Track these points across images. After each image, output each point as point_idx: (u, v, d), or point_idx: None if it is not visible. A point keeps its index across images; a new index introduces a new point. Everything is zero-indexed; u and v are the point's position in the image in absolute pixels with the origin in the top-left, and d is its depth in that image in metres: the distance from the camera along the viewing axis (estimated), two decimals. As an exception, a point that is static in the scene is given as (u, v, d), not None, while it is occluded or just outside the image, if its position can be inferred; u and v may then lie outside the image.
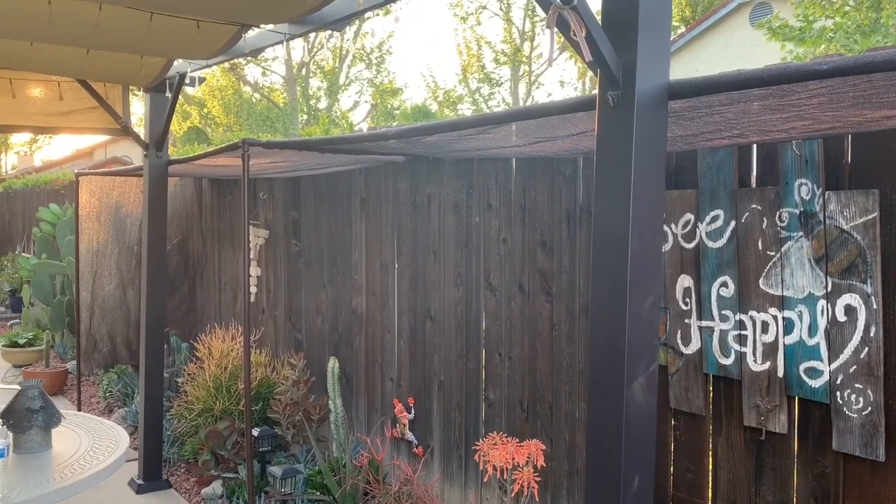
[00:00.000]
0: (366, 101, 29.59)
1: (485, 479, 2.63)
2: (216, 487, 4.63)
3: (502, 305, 3.78)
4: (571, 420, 3.41)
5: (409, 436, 4.39)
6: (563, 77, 49.80)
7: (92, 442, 2.88)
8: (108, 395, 6.62)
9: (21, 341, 8.10)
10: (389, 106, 28.45)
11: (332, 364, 4.77)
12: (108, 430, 3.03)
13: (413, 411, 4.39)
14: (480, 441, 2.74)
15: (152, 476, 4.76)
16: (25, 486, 2.41)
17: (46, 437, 2.77)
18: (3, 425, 2.60)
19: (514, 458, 2.67)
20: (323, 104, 27.88)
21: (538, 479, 2.60)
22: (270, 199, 5.91)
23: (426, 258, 4.29)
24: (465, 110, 27.62)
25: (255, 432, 4.56)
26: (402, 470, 4.21)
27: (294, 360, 5.04)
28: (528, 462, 2.73)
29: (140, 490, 4.69)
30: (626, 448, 1.73)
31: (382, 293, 4.66)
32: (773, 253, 2.54)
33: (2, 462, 2.41)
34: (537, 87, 27.87)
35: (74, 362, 7.24)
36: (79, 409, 6.39)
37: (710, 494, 2.84)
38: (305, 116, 26.73)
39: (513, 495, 2.63)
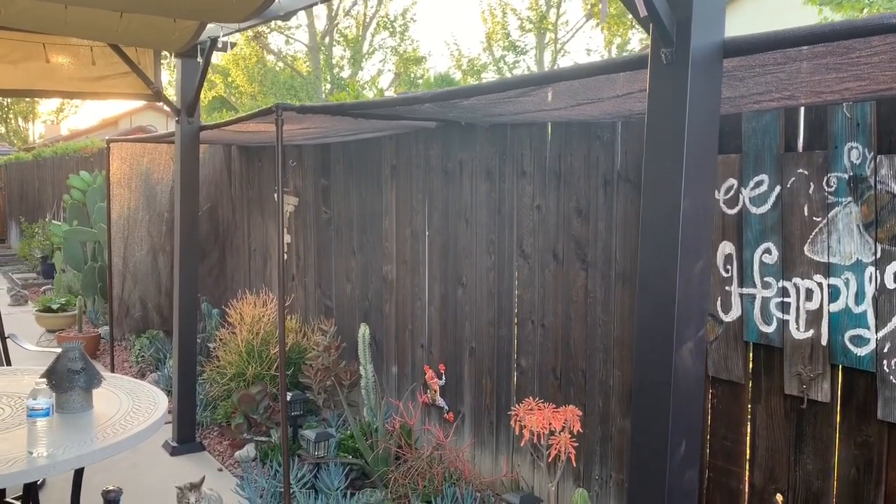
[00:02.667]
0: (389, 70, 29.42)
1: (521, 444, 2.63)
2: (249, 450, 4.69)
3: (535, 273, 3.76)
4: (605, 387, 3.39)
5: (440, 401, 4.41)
6: (589, 45, 48.99)
7: (131, 403, 2.92)
8: (140, 359, 6.73)
9: (54, 306, 8.24)
10: (413, 75, 28.26)
11: (363, 330, 4.79)
12: (147, 392, 3.07)
13: (444, 378, 4.40)
14: (515, 407, 2.73)
15: (186, 438, 4.84)
16: (70, 445, 2.46)
17: (88, 397, 2.81)
18: (46, 385, 2.64)
19: (550, 424, 2.67)
20: (346, 73, 27.75)
21: (575, 444, 2.60)
22: (300, 166, 5.91)
23: (457, 225, 4.27)
24: (489, 79, 27.32)
25: (287, 397, 4.60)
26: (433, 435, 4.24)
27: (325, 326, 5.07)
28: (564, 428, 2.73)
29: (174, 452, 4.77)
30: (673, 413, 1.71)
31: (413, 260, 4.66)
32: (819, 219, 2.49)
33: (46, 421, 2.45)
34: (563, 55, 27.45)
35: (106, 327, 7.36)
36: (113, 373, 6.50)
37: (747, 462, 2.82)
38: (329, 86, 26.64)
39: (549, 461, 2.63)
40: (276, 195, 5.78)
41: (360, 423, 4.50)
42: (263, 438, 4.83)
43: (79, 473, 2.68)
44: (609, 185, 3.34)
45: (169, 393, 5.63)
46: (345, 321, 5.32)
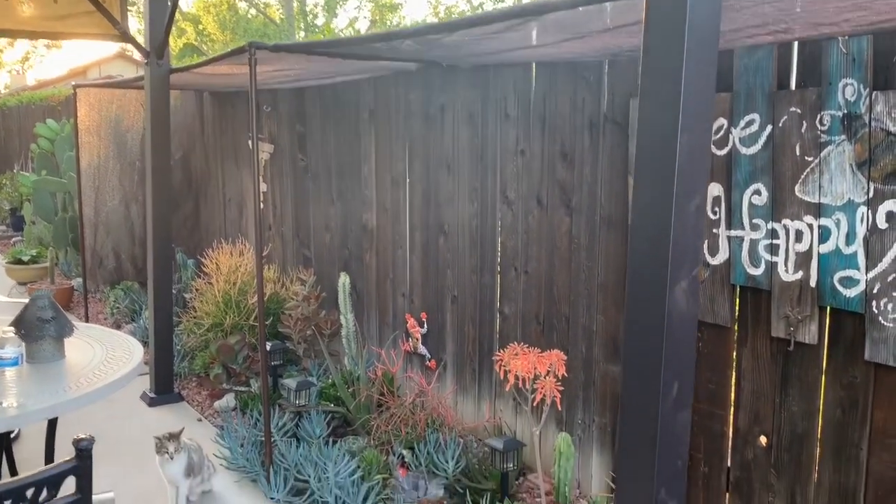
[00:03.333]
0: (364, 17, 28.75)
1: (506, 389, 2.60)
2: (229, 400, 4.65)
3: (519, 220, 3.69)
4: (588, 333, 3.37)
5: (422, 349, 4.38)
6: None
7: (105, 352, 2.83)
8: (115, 311, 6.61)
9: (25, 258, 8.06)
10: (389, 22, 27.66)
11: (343, 279, 4.72)
12: (122, 342, 2.99)
13: (426, 326, 4.36)
14: (500, 352, 2.69)
15: (164, 389, 4.78)
16: (41, 395, 2.38)
17: (59, 346, 2.72)
18: (15, 334, 2.55)
19: (535, 368, 2.63)
20: (321, 21, 27.08)
21: (560, 388, 2.57)
22: (274, 111, 5.74)
23: (439, 172, 4.18)
24: (468, 27, 26.78)
25: (266, 346, 4.54)
26: (415, 382, 4.22)
27: (304, 276, 4.98)
28: (549, 372, 2.70)
29: (152, 403, 4.71)
30: (666, 354, 1.67)
31: (393, 208, 4.57)
32: (811, 158, 2.43)
33: (16, 370, 2.37)
34: (542, 3, 26.88)
35: (79, 279, 7.21)
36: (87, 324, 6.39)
37: (731, 406, 2.82)
38: (303, 33, 26.00)
39: (534, 405, 2.61)
40: (250, 142, 5.64)
41: (341, 371, 4.46)
42: (243, 388, 4.79)
43: (52, 424, 2.61)
44: (595, 127, 3.26)
45: (145, 344, 5.55)
46: (324, 271, 5.24)
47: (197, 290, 5.48)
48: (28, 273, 8.06)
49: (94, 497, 1.97)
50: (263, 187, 5.88)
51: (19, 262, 8.06)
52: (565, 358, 2.65)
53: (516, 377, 2.61)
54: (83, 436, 1.61)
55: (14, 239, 10.54)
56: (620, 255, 3.18)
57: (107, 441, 4.17)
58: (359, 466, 3.48)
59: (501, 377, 2.62)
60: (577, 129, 3.34)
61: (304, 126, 5.40)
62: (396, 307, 4.62)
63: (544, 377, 2.63)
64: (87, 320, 6.42)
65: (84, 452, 1.64)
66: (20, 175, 9.62)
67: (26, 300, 2.91)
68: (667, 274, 1.64)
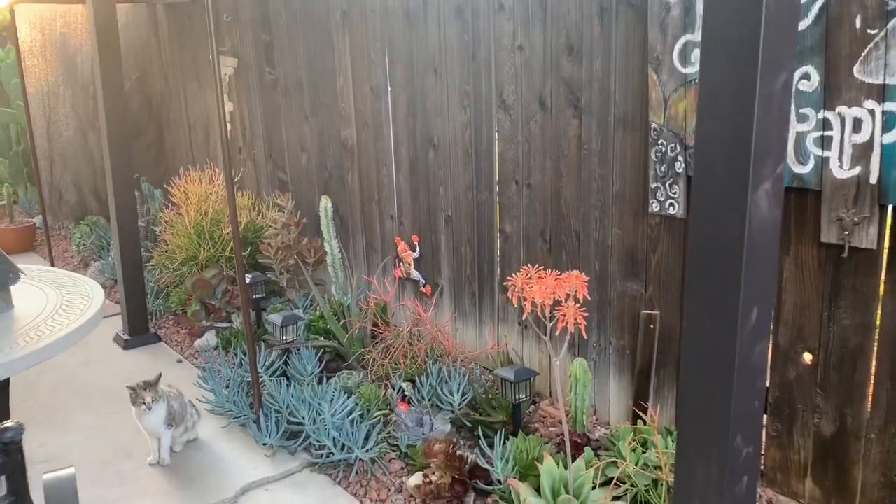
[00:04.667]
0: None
1: (523, 317, 2.29)
2: (209, 339, 4.33)
3: (519, 126, 3.30)
4: (603, 248, 3.04)
5: (415, 275, 4.05)
6: None
7: (60, 299, 2.47)
8: (81, 248, 6.19)
9: (-20, 197, 7.52)
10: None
11: (324, 203, 4.33)
12: (79, 285, 2.62)
13: (418, 249, 4.02)
14: (511, 277, 2.36)
15: (139, 330, 4.44)
16: (-15, 353, 2.01)
17: (4, 296, 2.35)
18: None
19: (554, 293, 2.32)
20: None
21: (585, 313, 2.26)
22: (236, 21, 5.19)
23: (425, 78, 3.74)
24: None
25: (246, 279, 4.19)
26: (411, 310, 3.91)
27: (281, 201, 4.59)
28: (569, 296, 2.38)
29: (127, 345, 4.38)
30: (746, 272, 1.34)
31: (375, 122, 4.14)
32: (875, 31, 2.06)
33: (-46, 326, 2.01)
34: None
35: (42, 217, 6.74)
36: (52, 265, 5.98)
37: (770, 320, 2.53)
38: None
39: (557, 333, 2.30)
40: (211, 57, 5.12)
41: (329, 302, 4.14)
42: (224, 325, 4.46)
43: (3, 386, 2.26)
44: (606, 12, 2.84)
45: (115, 282, 5.17)
46: (303, 195, 4.84)
47: (166, 222, 5.07)
48: (-15, 213, 7.54)
49: (51, 475, 1.65)
50: (230, 106, 5.39)
51: (-26, 201, 7.52)
52: (587, 279, 2.33)
53: (533, 304, 2.29)
54: (9, 423, 1.26)
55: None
56: (639, 160, 2.83)
57: (79, 390, 3.86)
58: (356, 404, 3.20)
59: (515, 305, 2.31)
60: (585, 15, 2.91)
61: (269, 35, 4.88)
62: (384, 231, 4.26)
63: (565, 302, 2.31)
64: (51, 259, 6.01)
65: (11, 445, 1.28)
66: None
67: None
68: (748, 171, 1.30)
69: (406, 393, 3.38)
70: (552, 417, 3.29)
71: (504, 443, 2.84)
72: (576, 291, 2.36)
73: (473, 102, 3.50)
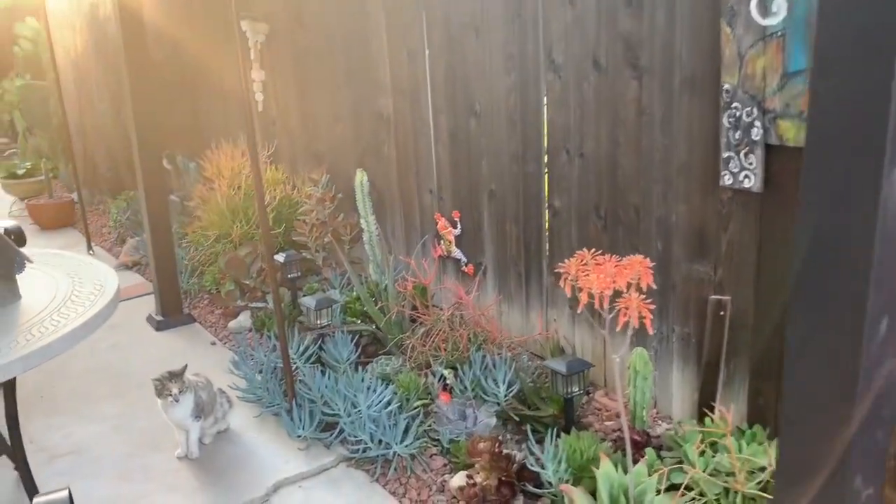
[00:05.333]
0: None
1: (578, 310, 2.01)
2: (244, 320, 4.15)
3: (570, 90, 2.98)
4: (665, 226, 2.73)
5: (457, 253, 3.79)
6: None
7: (72, 287, 2.28)
8: (117, 223, 6.08)
9: (20, 172, 7.49)
10: None
11: (360, 178, 4.09)
12: (92, 272, 2.42)
13: (459, 226, 3.75)
14: (566, 261, 2.09)
15: (172, 310, 4.29)
16: (-14, 351, 1.82)
17: (10, 287, 2.17)
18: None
19: (614, 282, 2.03)
20: None
21: (651, 305, 1.97)
22: (267, -15, 4.93)
23: (465, 39, 3.43)
24: None
25: (280, 258, 3.99)
26: (451, 292, 3.65)
27: (315, 175, 4.35)
28: (630, 285, 2.09)
29: (160, 326, 4.23)
30: (876, 273, 1.04)
31: (412, 90, 3.85)
32: None
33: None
34: None
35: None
36: (88, 241, 5.90)
37: None
38: None
39: (619, 329, 2.02)
40: (243, 24, 4.87)
41: (366, 283, 3.91)
42: (259, 304, 4.28)
43: (10, 386, 2.09)
44: (672, -42, 2.49)
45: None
46: (338, 168, 4.60)
47: (200, 197, 4.89)
48: (26, 188, 7.52)
49: (43, 498, 1.46)
50: (261, 75, 5.15)
51: (14, 175, 7.51)
52: (652, 264, 2.03)
53: (590, 296, 2.01)
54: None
55: (8, 152, 9.95)
56: (709, 127, 2.50)
57: (109, 375, 3.72)
58: (395, 394, 2.97)
59: (568, 294, 2.03)
60: (647, -37, 2.57)
61: (301, -1, 4.61)
62: (423, 206, 4.00)
63: (627, 292, 2.02)
64: (87, 235, 5.92)
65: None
66: (5, 81, 8.90)
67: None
68: (884, 144, 0.99)
69: (447, 382, 3.14)
70: (607, 410, 3.01)
71: (555, 440, 2.58)
72: (639, 279, 2.07)
73: (519, 65, 3.19)
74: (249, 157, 2.88)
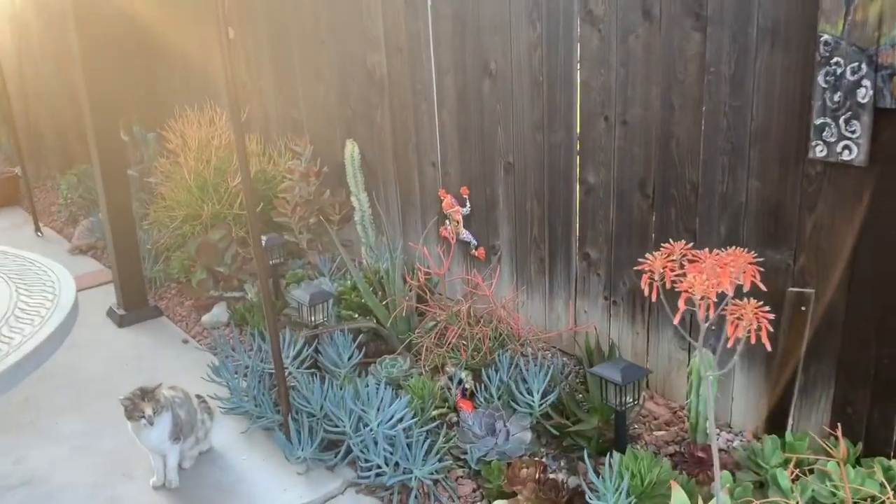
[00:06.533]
0: None
1: (674, 321, 1.59)
2: (219, 313, 3.65)
3: (611, 44, 2.53)
4: (732, 205, 2.32)
5: (465, 235, 3.34)
6: None
7: (15, 298, 1.77)
8: (68, 201, 5.47)
9: (-47, 144, 6.76)
10: None
11: (350, 149, 3.60)
12: (40, 272, 1.91)
13: (468, 204, 3.29)
14: (648, 256, 1.66)
15: (136, 303, 3.76)
16: None
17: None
18: None
19: (717, 283, 1.61)
20: None
21: (769, 315, 1.56)
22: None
23: (477, -15, 2.94)
24: None
25: (261, 241, 3.48)
26: (469, 284, 3.20)
27: (297, 145, 3.84)
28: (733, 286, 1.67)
29: (123, 322, 3.71)
30: None
31: (411, 45, 3.35)
32: None
33: None
34: None
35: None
36: (35, 221, 5.28)
37: None
38: None
39: (729, 346, 1.60)
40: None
41: (362, 269, 3.45)
42: (235, 294, 3.78)
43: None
44: None
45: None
46: (322, 138, 4.07)
47: (162, 172, 4.33)
48: (-36, 162, 6.79)
49: None
50: (231, 33, 4.56)
51: (-53, 148, 6.77)
52: (759, 259, 1.62)
53: (690, 302, 1.59)
54: None
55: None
56: (795, 86, 2.08)
57: (66, 382, 3.20)
58: (409, 404, 2.53)
59: (653, 298, 1.61)
60: None
61: (274, -57, 4.03)
62: (424, 181, 3.52)
63: (731, 298, 1.61)
64: (35, 217, 5.30)
65: None
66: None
67: None
68: None
69: (466, 387, 2.72)
70: (655, 417, 2.62)
71: (606, 459, 2.18)
72: (744, 279, 1.65)
73: (546, 15, 2.71)
74: (232, 126, 2.37)
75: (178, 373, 3.18)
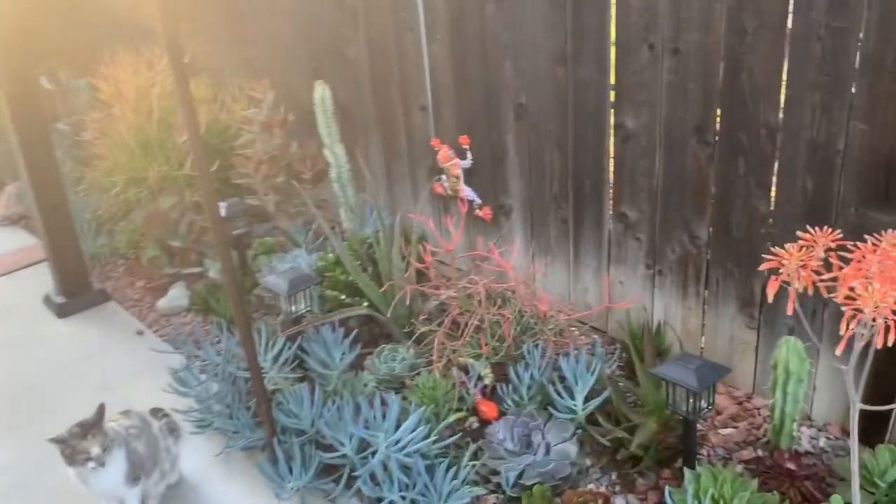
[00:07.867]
0: None
1: (837, 352, 1.13)
2: (177, 295, 3.10)
3: (658, -51, 1.97)
4: (823, 154, 1.83)
5: (466, 192, 2.81)
6: None
7: None
8: (-9, 164, 4.74)
9: None
10: None
11: (320, 92, 3.00)
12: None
13: (469, 156, 2.75)
14: (777, 250, 1.18)
15: (77, 287, 3.18)
16: None
17: None
18: None
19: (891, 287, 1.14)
20: None
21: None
22: None
23: None
24: None
25: (220, 209, 2.91)
26: (483, 262, 2.67)
27: (257, 91, 3.22)
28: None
29: (63, 311, 3.13)
30: None
31: (388, -38, 2.73)
32: None
33: None
34: None
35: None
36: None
37: None
38: None
39: (881, 346, 1.14)
40: None
41: (344, 237, 2.91)
42: (194, 270, 3.22)
43: None
44: None
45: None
46: (286, 79, 3.44)
47: (97, 128, 3.67)
48: None
49: None
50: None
51: None
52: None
53: (855, 317, 1.12)
54: None
55: None
56: (931, -4, 1.56)
57: (-4, 396, 2.65)
58: (421, 416, 2.05)
59: (790, 310, 1.15)
60: None
61: None
62: (413, 127, 2.96)
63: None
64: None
65: None
66: None
67: None
68: None
69: (486, 384, 2.25)
70: (719, 411, 2.19)
71: (667, 471, 1.75)
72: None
73: (568, -84, 2.13)
74: (172, 70, 1.78)
75: (133, 376, 2.67)
